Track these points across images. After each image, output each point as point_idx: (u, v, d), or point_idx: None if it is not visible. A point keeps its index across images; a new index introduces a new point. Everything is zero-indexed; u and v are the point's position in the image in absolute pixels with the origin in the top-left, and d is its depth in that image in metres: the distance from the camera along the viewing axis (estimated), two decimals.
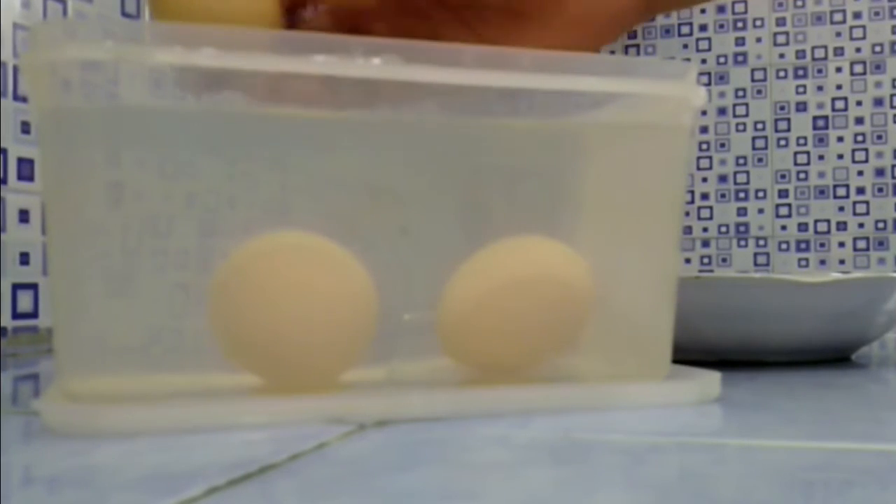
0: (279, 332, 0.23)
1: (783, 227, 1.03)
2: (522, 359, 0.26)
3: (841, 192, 1.01)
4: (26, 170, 0.52)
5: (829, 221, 1.03)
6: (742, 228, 1.06)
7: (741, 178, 1.04)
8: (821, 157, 1.02)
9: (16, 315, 0.51)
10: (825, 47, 1.03)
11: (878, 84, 0.99)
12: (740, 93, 1.05)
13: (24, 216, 0.51)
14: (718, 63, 1.08)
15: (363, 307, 0.24)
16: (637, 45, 1.12)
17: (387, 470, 0.17)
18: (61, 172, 0.22)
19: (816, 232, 1.02)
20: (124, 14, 0.58)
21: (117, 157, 0.23)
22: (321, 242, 0.24)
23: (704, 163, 1.06)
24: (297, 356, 0.24)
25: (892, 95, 0.97)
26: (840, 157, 1.03)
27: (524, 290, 0.25)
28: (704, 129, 1.07)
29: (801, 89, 1.04)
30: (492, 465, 0.18)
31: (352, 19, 0.29)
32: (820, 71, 1.01)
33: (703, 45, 1.09)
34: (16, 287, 0.51)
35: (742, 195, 1.05)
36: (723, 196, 1.07)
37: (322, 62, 0.22)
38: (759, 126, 1.05)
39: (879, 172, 1.00)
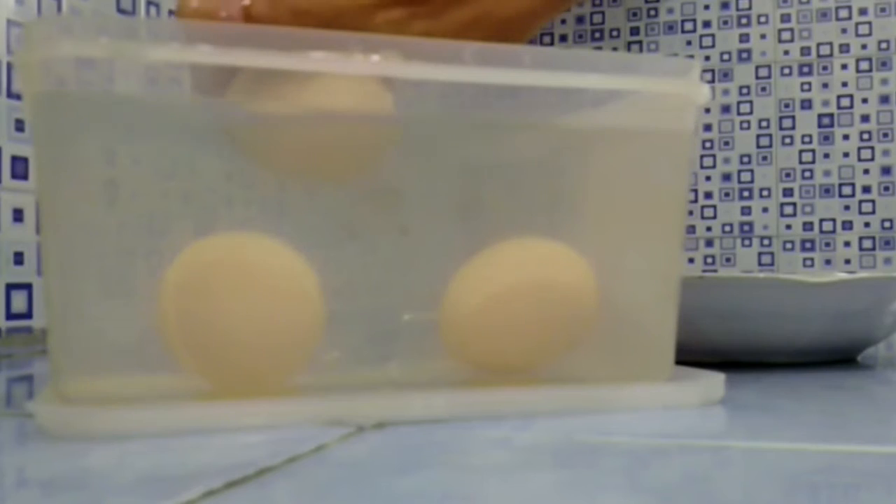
0: (222, 333, 0.23)
1: (788, 227, 1.03)
2: (524, 360, 0.26)
3: (846, 190, 1.00)
4: (20, 168, 0.51)
5: (834, 220, 1.02)
6: (746, 228, 1.05)
7: (745, 176, 1.03)
8: (826, 156, 1.01)
9: (10, 316, 0.50)
10: (830, 44, 1.02)
11: (884, 81, 0.99)
12: (744, 90, 1.04)
13: (18, 215, 0.51)
14: (722, 60, 1.07)
15: (308, 309, 0.24)
16: (640, 42, 1.11)
17: (386, 473, 0.17)
18: (56, 171, 0.22)
19: (822, 231, 1.02)
20: (120, 10, 0.57)
21: (112, 156, 0.23)
22: (265, 243, 0.24)
23: (708, 161, 1.06)
24: (239, 358, 0.23)
25: None
26: (846, 155, 1.02)
27: (526, 293, 0.25)
28: (708, 127, 1.07)
29: (806, 87, 1.03)
30: (493, 468, 0.18)
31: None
32: (825, 68, 1.01)
33: (707, 41, 1.08)
34: (10, 287, 0.50)
35: (746, 194, 1.04)
36: (727, 195, 1.07)
37: (320, 59, 0.22)
38: (764, 124, 1.05)
39: (886, 171, 1.00)
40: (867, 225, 1.01)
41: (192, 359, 0.23)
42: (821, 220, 1.03)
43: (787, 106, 1.05)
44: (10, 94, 0.51)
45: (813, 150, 1.05)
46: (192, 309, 0.23)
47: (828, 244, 1.03)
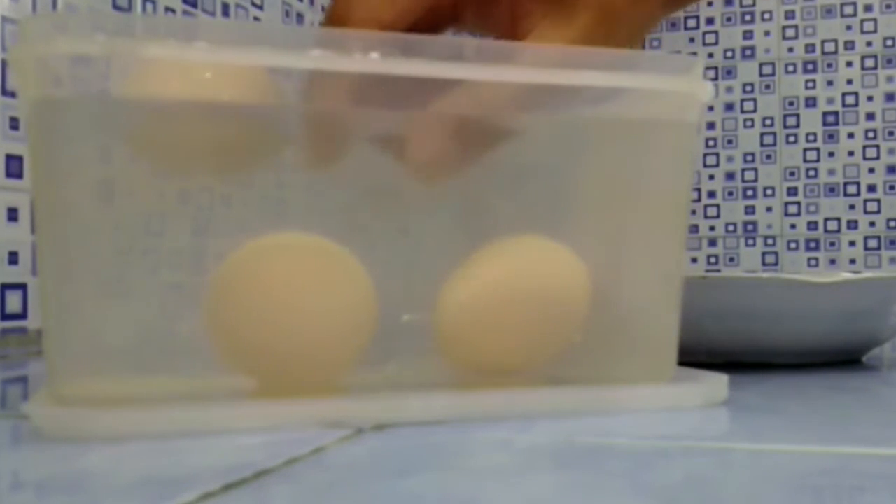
0: (277, 333, 0.23)
1: (792, 226, 1.03)
2: (518, 361, 0.26)
3: (851, 189, 1.00)
4: (15, 167, 0.51)
5: (839, 220, 1.02)
6: (750, 227, 1.05)
7: (749, 175, 1.03)
8: (831, 154, 1.01)
9: (5, 316, 0.50)
10: (835, 41, 1.02)
11: (889, 79, 0.98)
12: (748, 88, 1.04)
13: (12, 214, 0.51)
14: (726, 57, 1.07)
15: (363, 307, 0.24)
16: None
17: (385, 475, 0.17)
18: (51, 169, 0.22)
19: (826, 230, 1.01)
20: (116, 7, 0.57)
21: (108, 154, 0.23)
22: (320, 242, 0.24)
23: (711, 160, 1.05)
24: (295, 358, 0.23)
25: None
26: (850, 153, 1.02)
27: (520, 293, 0.25)
28: (711, 126, 1.07)
29: (810, 84, 1.03)
30: (492, 470, 0.18)
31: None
32: (830, 65, 1.00)
33: (710, 38, 1.08)
34: (4, 287, 0.50)
35: (750, 193, 1.04)
36: (730, 194, 1.06)
37: (319, 57, 0.22)
38: (768, 122, 1.05)
39: (891, 169, 1.00)
40: (872, 224, 1.01)
41: (240, 358, 0.23)
42: (825, 220, 1.02)
43: (791, 104, 1.04)
44: (4, 93, 0.51)
45: (817, 149, 1.05)
46: (244, 309, 0.23)
47: (832, 244, 1.03)
